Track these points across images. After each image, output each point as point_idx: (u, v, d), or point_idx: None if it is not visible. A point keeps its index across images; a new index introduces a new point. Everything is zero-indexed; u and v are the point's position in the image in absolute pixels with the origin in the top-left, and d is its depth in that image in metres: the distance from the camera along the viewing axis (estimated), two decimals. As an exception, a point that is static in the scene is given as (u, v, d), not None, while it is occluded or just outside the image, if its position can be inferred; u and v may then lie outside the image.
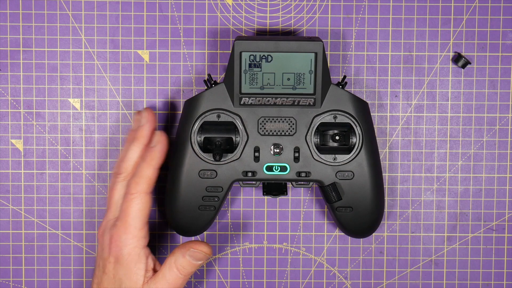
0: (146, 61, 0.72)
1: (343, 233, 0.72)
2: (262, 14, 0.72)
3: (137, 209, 0.64)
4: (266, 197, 0.73)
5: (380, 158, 0.70)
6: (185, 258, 0.64)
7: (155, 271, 0.66)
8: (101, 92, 0.72)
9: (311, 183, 0.68)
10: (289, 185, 0.71)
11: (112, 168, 0.69)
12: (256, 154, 0.67)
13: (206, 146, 0.67)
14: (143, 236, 0.65)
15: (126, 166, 0.66)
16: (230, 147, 0.67)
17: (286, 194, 0.69)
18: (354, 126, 0.67)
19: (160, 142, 0.65)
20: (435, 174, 0.73)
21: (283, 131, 0.67)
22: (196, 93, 0.70)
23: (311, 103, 0.66)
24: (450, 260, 0.74)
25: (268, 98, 0.66)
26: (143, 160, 0.65)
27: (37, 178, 0.72)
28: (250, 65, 0.65)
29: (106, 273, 0.65)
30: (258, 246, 0.74)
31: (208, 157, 0.66)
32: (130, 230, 0.64)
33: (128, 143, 0.67)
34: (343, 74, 0.72)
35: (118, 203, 0.66)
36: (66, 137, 0.72)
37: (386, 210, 0.73)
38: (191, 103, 0.67)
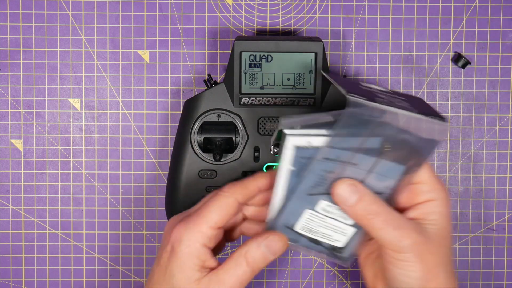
0: (146, 61, 0.72)
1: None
2: (262, 14, 0.72)
3: (219, 205, 0.58)
4: (266, 197, 0.73)
5: (380, 158, 0.70)
6: (259, 249, 0.57)
7: (209, 267, 0.58)
8: (101, 92, 0.72)
9: (311, 183, 0.67)
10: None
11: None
12: (256, 154, 0.67)
13: (206, 146, 0.67)
14: (211, 236, 0.58)
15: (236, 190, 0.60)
16: (230, 147, 0.67)
17: (286, 194, 0.69)
18: (354, 126, 0.67)
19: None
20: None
21: (283, 131, 0.67)
22: (196, 93, 0.70)
23: (311, 103, 0.66)
24: (450, 260, 0.74)
25: (268, 98, 0.66)
26: (252, 179, 0.60)
27: (37, 178, 0.72)
28: (250, 65, 0.65)
29: (159, 264, 0.59)
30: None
31: (208, 157, 0.66)
32: (199, 222, 0.58)
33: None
34: (343, 74, 0.72)
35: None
36: (66, 137, 0.72)
37: (386, 210, 0.73)
38: (191, 103, 0.67)
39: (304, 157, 0.56)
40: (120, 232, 0.73)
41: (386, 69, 0.72)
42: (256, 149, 0.67)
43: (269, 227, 0.59)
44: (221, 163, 0.67)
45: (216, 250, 0.61)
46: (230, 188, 0.59)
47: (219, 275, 0.57)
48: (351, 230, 0.59)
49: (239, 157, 0.67)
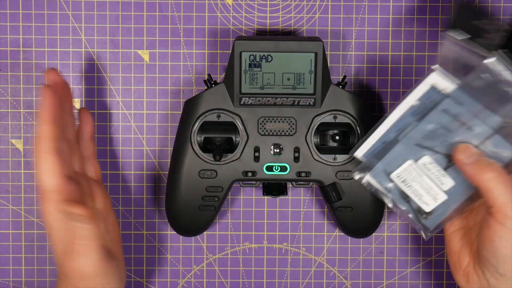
0: (146, 61, 0.72)
1: (343, 233, 0.72)
2: (262, 14, 0.72)
3: (47, 169, 0.60)
4: (266, 197, 0.73)
5: (380, 158, 0.70)
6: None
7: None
8: (101, 92, 0.72)
9: (311, 183, 0.68)
10: (289, 185, 0.71)
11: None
12: (256, 154, 0.67)
13: (206, 146, 0.67)
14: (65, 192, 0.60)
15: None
16: (230, 147, 0.67)
17: (286, 194, 0.69)
18: (354, 126, 0.67)
19: (46, 97, 0.60)
20: (435, 174, 0.73)
21: (283, 131, 0.67)
22: (196, 93, 0.70)
23: (311, 103, 0.66)
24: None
25: (268, 98, 0.66)
26: (38, 121, 0.60)
27: (37, 178, 0.72)
28: (250, 65, 0.65)
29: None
30: (258, 246, 0.74)
31: (208, 157, 0.66)
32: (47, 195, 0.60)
33: None
34: (343, 74, 0.72)
35: None
36: (66, 137, 0.72)
37: (386, 210, 0.73)
38: (191, 103, 0.67)
39: (431, 99, 0.59)
40: (120, 232, 0.73)
41: (386, 69, 0.72)
42: (256, 149, 0.67)
43: (366, 166, 0.62)
44: (221, 163, 0.67)
45: None
46: (38, 149, 0.59)
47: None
48: (443, 197, 0.61)
49: (239, 157, 0.67)
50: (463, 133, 0.59)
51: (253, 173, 0.67)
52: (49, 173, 0.60)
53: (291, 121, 0.67)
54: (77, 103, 0.72)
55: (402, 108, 0.61)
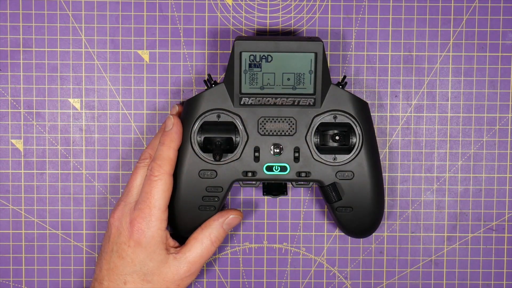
0: (146, 61, 0.72)
1: (343, 233, 0.72)
2: (262, 14, 0.72)
3: (160, 190, 0.64)
4: (266, 197, 0.73)
5: (380, 158, 0.70)
6: (222, 228, 0.66)
7: (173, 246, 0.66)
8: (101, 92, 0.72)
9: (311, 183, 0.68)
10: (289, 185, 0.71)
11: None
12: (256, 154, 0.67)
13: (206, 146, 0.67)
14: (165, 218, 0.65)
15: (151, 152, 0.67)
16: (230, 147, 0.67)
17: (286, 194, 0.69)
18: (354, 126, 0.67)
19: (175, 125, 0.65)
20: (435, 174, 0.73)
21: (283, 131, 0.67)
22: (196, 93, 0.70)
23: (311, 103, 0.66)
24: (450, 260, 0.74)
25: (268, 98, 0.66)
26: (162, 143, 0.65)
27: (37, 178, 0.72)
28: (250, 65, 0.65)
29: (123, 258, 0.65)
30: (258, 246, 0.74)
31: (208, 157, 0.66)
32: (153, 212, 0.64)
33: (156, 135, 0.68)
34: (343, 74, 0.72)
35: (139, 187, 0.66)
36: (66, 137, 0.72)
37: (386, 210, 0.73)
38: (191, 103, 0.67)
39: None
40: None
41: (386, 69, 0.72)
42: (256, 149, 0.67)
43: None
44: (221, 163, 0.67)
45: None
46: (157, 170, 0.65)
47: (186, 256, 0.66)
48: None
49: (239, 157, 0.67)
50: None
51: (253, 173, 0.67)
52: (162, 194, 0.65)
53: (291, 121, 0.67)
54: (77, 103, 0.72)
55: None
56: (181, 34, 0.72)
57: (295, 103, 0.66)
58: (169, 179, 0.65)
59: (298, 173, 0.67)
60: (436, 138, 0.73)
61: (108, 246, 0.66)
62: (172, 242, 0.66)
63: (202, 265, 0.66)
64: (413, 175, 0.73)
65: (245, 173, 0.67)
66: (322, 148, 0.67)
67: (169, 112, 0.72)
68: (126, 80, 0.72)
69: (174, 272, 0.65)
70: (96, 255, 0.73)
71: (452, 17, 0.72)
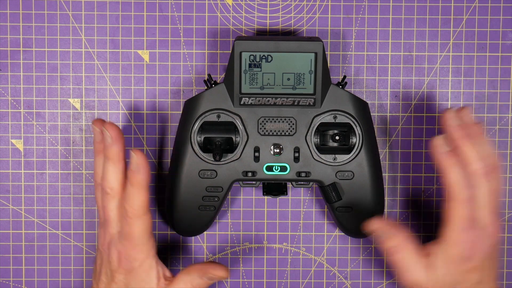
0: (146, 61, 0.72)
1: (343, 233, 0.72)
2: (262, 14, 0.72)
3: (140, 230, 0.63)
4: (266, 197, 0.73)
5: (380, 158, 0.70)
6: (202, 279, 0.65)
7: (165, 277, 0.65)
8: (101, 92, 0.72)
9: (311, 183, 0.68)
10: (289, 185, 0.71)
11: (94, 183, 0.67)
12: (256, 154, 0.67)
13: (206, 146, 0.67)
14: (151, 247, 0.65)
15: (110, 185, 0.64)
16: (230, 147, 0.67)
17: (286, 194, 0.69)
18: (354, 126, 0.67)
19: (142, 166, 0.63)
20: (435, 174, 0.73)
21: (283, 131, 0.67)
22: (196, 93, 0.70)
23: (311, 103, 0.66)
24: (450, 260, 0.74)
25: (268, 98, 0.66)
26: (130, 184, 0.63)
27: (37, 178, 0.72)
28: (250, 65, 0.65)
29: (116, 282, 0.65)
30: (258, 246, 0.74)
31: (208, 157, 0.66)
32: (138, 247, 0.64)
33: (99, 157, 0.65)
34: (343, 74, 0.72)
35: (115, 219, 0.64)
36: (66, 137, 0.72)
37: (386, 210, 0.73)
38: (191, 103, 0.67)
39: None
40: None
41: (386, 69, 0.72)
42: (256, 149, 0.67)
43: None
44: (221, 163, 0.67)
45: None
46: (132, 213, 0.63)
47: None
48: None
49: (239, 157, 0.67)
50: None
51: (253, 173, 0.67)
52: (142, 233, 0.64)
53: (291, 121, 0.67)
54: (77, 103, 0.72)
55: None
56: (181, 34, 0.72)
57: (295, 103, 0.66)
58: (146, 218, 0.63)
59: (298, 173, 0.67)
60: (436, 138, 0.73)
61: (102, 269, 0.66)
62: (161, 269, 0.66)
63: None
64: (413, 175, 0.73)
65: (245, 173, 0.67)
66: (322, 148, 0.67)
67: (168, 111, 0.72)
68: (126, 80, 0.72)
69: None
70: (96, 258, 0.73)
71: (452, 17, 0.72)
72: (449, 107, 0.63)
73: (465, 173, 0.62)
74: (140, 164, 0.63)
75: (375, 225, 0.64)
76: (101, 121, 0.65)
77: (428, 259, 0.63)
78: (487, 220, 0.63)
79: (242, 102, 0.66)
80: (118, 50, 0.72)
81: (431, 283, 0.63)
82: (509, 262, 0.74)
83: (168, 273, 0.66)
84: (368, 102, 0.71)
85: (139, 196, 0.63)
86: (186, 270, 0.65)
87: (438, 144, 0.63)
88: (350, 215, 0.68)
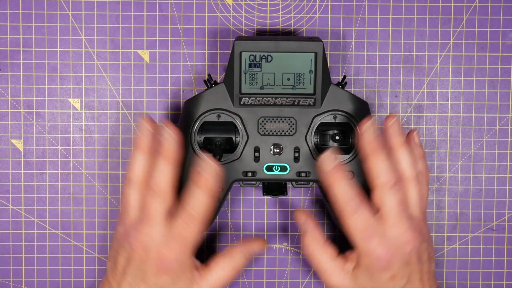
0: (146, 61, 0.72)
1: (343, 233, 0.72)
2: (262, 14, 0.72)
3: (196, 233, 0.62)
4: (266, 197, 0.73)
5: (380, 158, 0.70)
6: (245, 257, 0.65)
7: (196, 267, 0.65)
8: (101, 92, 0.72)
9: (311, 183, 0.68)
10: (289, 185, 0.71)
11: (127, 180, 0.65)
12: (256, 154, 0.67)
13: (206, 146, 0.67)
14: (195, 249, 0.64)
15: (163, 187, 0.63)
16: (230, 147, 0.67)
17: (286, 194, 0.69)
18: (354, 126, 0.67)
19: (210, 171, 0.62)
20: (435, 174, 0.73)
21: (283, 131, 0.67)
22: (196, 93, 0.70)
23: (311, 103, 0.66)
24: (450, 260, 0.74)
25: (268, 98, 0.66)
26: (198, 186, 0.62)
27: (37, 178, 0.72)
28: (250, 65, 0.65)
29: (146, 283, 0.63)
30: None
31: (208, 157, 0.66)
32: (187, 251, 0.63)
33: (139, 153, 0.64)
34: (343, 74, 0.72)
35: (161, 221, 0.63)
36: (66, 137, 0.72)
37: (386, 210, 0.73)
38: (191, 103, 0.67)
39: None
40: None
41: (386, 69, 0.72)
42: (256, 149, 0.67)
43: None
44: (221, 163, 0.67)
45: None
46: (193, 220, 0.62)
47: (209, 282, 0.64)
48: None
49: (239, 157, 0.67)
50: None
51: (253, 173, 0.67)
52: (196, 238, 0.63)
53: (291, 121, 0.67)
54: (77, 103, 0.72)
55: None
56: (181, 34, 0.72)
57: (295, 103, 0.66)
58: (203, 222, 0.63)
59: (298, 173, 0.67)
60: (436, 138, 0.73)
61: (129, 268, 0.64)
62: (197, 263, 0.65)
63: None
64: (413, 175, 0.73)
65: (245, 173, 0.67)
66: (322, 148, 0.67)
67: (168, 111, 0.72)
68: (126, 80, 0.72)
69: None
70: (97, 256, 0.73)
71: (452, 17, 0.72)
72: (369, 119, 0.63)
73: (353, 187, 0.63)
74: (209, 168, 0.62)
75: (301, 218, 0.65)
76: (152, 120, 0.65)
77: (348, 265, 0.64)
78: (405, 228, 0.62)
79: (242, 102, 0.66)
80: (118, 50, 0.72)
81: None
82: (509, 262, 0.74)
83: (199, 264, 0.65)
84: (368, 102, 0.71)
85: (206, 200, 0.62)
86: (227, 254, 0.65)
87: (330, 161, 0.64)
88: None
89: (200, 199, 0.62)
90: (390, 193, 0.63)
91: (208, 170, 0.62)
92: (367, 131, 0.63)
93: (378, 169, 0.63)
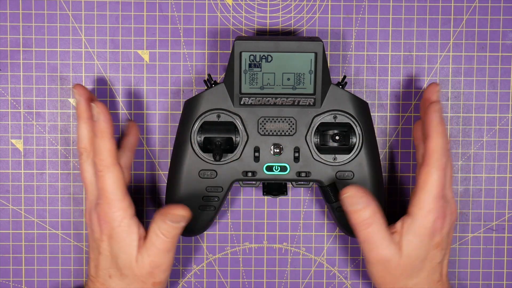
0: (146, 61, 0.72)
1: (343, 233, 0.72)
2: (262, 14, 0.72)
3: (111, 182, 0.64)
4: (266, 197, 0.73)
5: (380, 158, 0.70)
6: (166, 223, 0.64)
7: (144, 237, 0.66)
8: (101, 92, 0.72)
9: (311, 183, 0.68)
10: (289, 185, 0.71)
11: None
12: (256, 154, 0.67)
13: (206, 146, 0.67)
14: (128, 206, 0.65)
15: (83, 145, 0.66)
16: (230, 147, 0.67)
17: (286, 194, 0.69)
18: (354, 126, 0.67)
19: (101, 113, 0.64)
20: (435, 174, 0.73)
21: (283, 131, 0.67)
22: (196, 93, 0.70)
23: (311, 103, 0.66)
24: (450, 260, 0.74)
25: (268, 98, 0.66)
26: (95, 135, 0.64)
27: (37, 178, 0.72)
28: (250, 65, 0.65)
29: (101, 253, 0.65)
30: (258, 246, 0.74)
31: (208, 157, 0.66)
32: (113, 203, 0.64)
33: (82, 120, 0.67)
34: (343, 74, 0.72)
35: (92, 182, 0.66)
36: (66, 137, 0.72)
37: (386, 210, 0.73)
38: (191, 103, 0.67)
39: None
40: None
41: (386, 69, 0.72)
42: (256, 149, 0.67)
43: None
44: (221, 163, 0.67)
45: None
46: (100, 164, 0.64)
47: (148, 250, 0.65)
48: None
49: (239, 157, 0.67)
50: None
51: (253, 173, 0.67)
52: (114, 185, 0.64)
53: (291, 121, 0.67)
54: (77, 103, 0.72)
55: None
56: (181, 34, 0.72)
57: (295, 103, 0.66)
58: (115, 168, 0.64)
59: (298, 173, 0.67)
60: (436, 138, 0.73)
61: (91, 244, 0.67)
62: (143, 231, 0.66)
63: (166, 257, 0.65)
64: (413, 175, 0.73)
65: (245, 173, 0.67)
66: (322, 148, 0.67)
67: (168, 111, 0.72)
68: (126, 80, 0.72)
69: (140, 266, 0.65)
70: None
71: (452, 17, 0.72)
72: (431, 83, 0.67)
73: (447, 145, 0.65)
74: (100, 113, 0.64)
75: (352, 190, 0.64)
76: (83, 87, 0.67)
77: (397, 235, 0.65)
78: (450, 196, 0.66)
79: (242, 102, 0.66)
80: (118, 50, 0.72)
81: (399, 259, 0.64)
82: (509, 262, 0.74)
83: (143, 231, 0.66)
84: (368, 102, 0.71)
85: (105, 145, 0.64)
86: (152, 220, 0.65)
87: (436, 109, 0.65)
88: (350, 215, 0.68)
89: (98, 145, 0.64)
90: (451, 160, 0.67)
91: (95, 115, 0.64)
92: (439, 111, 0.64)
93: (440, 149, 0.64)
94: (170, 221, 0.64)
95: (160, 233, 0.64)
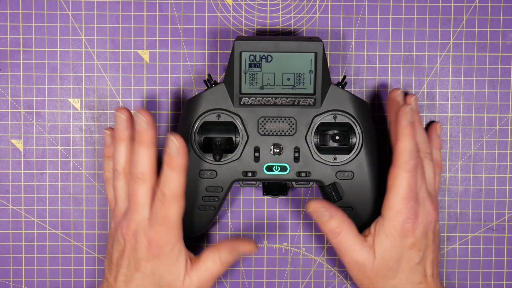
0: (146, 61, 0.72)
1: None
2: (262, 14, 0.72)
3: (176, 213, 0.63)
4: (266, 197, 0.73)
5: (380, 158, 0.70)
6: (232, 255, 0.66)
7: (190, 259, 0.66)
8: (101, 92, 0.72)
9: (311, 183, 0.68)
10: (289, 185, 0.71)
11: (114, 172, 0.67)
12: (256, 154, 0.67)
13: (206, 146, 0.67)
14: (181, 230, 0.65)
15: (144, 170, 0.64)
16: (230, 147, 0.67)
17: (286, 194, 0.69)
18: (354, 126, 0.67)
19: (182, 150, 0.62)
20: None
21: (283, 131, 0.67)
22: (196, 93, 0.70)
23: (311, 103, 0.66)
24: (450, 260, 0.74)
25: (268, 98, 0.66)
26: (171, 169, 0.63)
27: (37, 178, 0.72)
28: (250, 65, 0.65)
29: (141, 271, 0.64)
30: (258, 246, 0.74)
31: (208, 157, 0.66)
32: (172, 232, 0.64)
33: (121, 144, 0.65)
34: (343, 74, 0.72)
35: (146, 205, 0.64)
36: (66, 137, 0.72)
37: (386, 210, 0.73)
38: (191, 103, 0.67)
39: None
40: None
41: (386, 69, 0.72)
42: (256, 149, 0.67)
43: None
44: (221, 163, 0.67)
45: None
46: (173, 197, 0.63)
47: (199, 274, 0.65)
48: None
49: (239, 157, 0.67)
50: None
51: (253, 173, 0.67)
52: (178, 216, 0.64)
53: (291, 121, 0.67)
54: (77, 103, 0.72)
55: None
56: (181, 34, 0.72)
57: (295, 103, 0.66)
58: (182, 201, 0.64)
59: (298, 173, 0.67)
60: (436, 138, 0.73)
61: (123, 260, 0.65)
62: (188, 253, 0.66)
63: (212, 282, 0.66)
64: (413, 175, 0.73)
65: (245, 173, 0.67)
66: (322, 148, 0.67)
67: (168, 111, 0.72)
68: (126, 80, 0.72)
69: (186, 287, 0.65)
70: (97, 256, 0.73)
71: (452, 17, 0.72)
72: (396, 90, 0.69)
73: (416, 147, 0.65)
74: (180, 148, 0.63)
75: (313, 206, 0.65)
76: (126, 109, 0.66)
77: (370, 237, 0.65)
78: (424, 197, 0.66)
79: (242, 102, 0.66)
80: (118, 50, 0.72)
81: (373, 261, 0.65)
82: (509, 262, 0.74)
83: (192, 255, 0.66)
84: (368, 102, 0.71)
85: (178, 180, 0.63)
86: (215, 247, 0.66)
87: (405, 112, 0.65)
88: (350, 215, 0.68)
89: (171, 177, 0.63)
90: (429, 161, 0.68)
91: (173, 148, 0.62)
92: (407, 114, 0.65)
93: (408, 151, 0.64)
94: (237, 254, 0.66)
95: (219, 261, 0.65)
